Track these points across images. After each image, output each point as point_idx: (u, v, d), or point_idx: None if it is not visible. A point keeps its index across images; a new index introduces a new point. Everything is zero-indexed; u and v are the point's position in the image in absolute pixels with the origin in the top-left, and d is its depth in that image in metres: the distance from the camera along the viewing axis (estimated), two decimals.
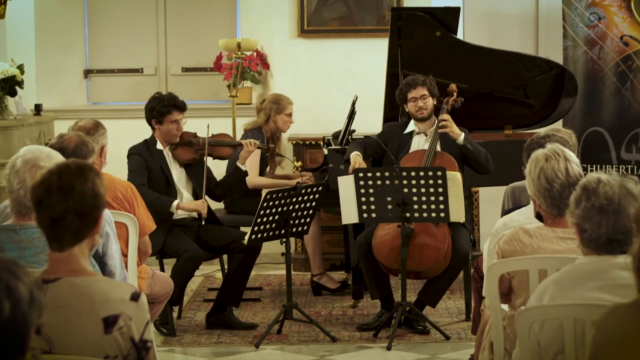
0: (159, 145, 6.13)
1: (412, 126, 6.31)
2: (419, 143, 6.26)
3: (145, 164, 6.04)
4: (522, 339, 3.05)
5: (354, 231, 6.43)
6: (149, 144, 6.14)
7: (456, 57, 6.92)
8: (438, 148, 6.15)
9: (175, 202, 5.99)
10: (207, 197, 6.19)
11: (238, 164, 6.35)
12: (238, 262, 6.06)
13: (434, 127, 6.20)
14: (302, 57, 8.13)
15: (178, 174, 6.18)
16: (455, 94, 6.30)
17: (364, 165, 6.07)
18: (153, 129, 6.16)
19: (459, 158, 6.11)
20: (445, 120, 6.09)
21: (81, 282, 2.71)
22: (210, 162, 6.32)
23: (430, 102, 6.20)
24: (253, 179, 6.84)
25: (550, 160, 3.56)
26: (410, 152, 6.21)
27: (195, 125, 6.46)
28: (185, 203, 6.06)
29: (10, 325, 1.98)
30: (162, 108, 6.07)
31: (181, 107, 6.11)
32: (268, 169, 7.11)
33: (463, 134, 6.10)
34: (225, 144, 6.39)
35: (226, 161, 6.66)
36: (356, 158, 6.10)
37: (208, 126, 6.19)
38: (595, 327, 2.43)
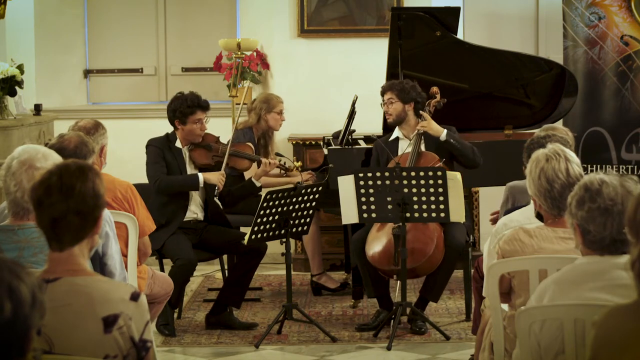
0: (179, 144, 6.11)
1: (396, 132, 6.33)
2: (404, 147, 6.25)
3: (162, 155, 6.02)
4: (522, 339, 3.04)
5: (352, 231, 6.42)
6: (170, 139, 6.10)
7: (456, 57, 6.92)
8: (423, 148, 6.15)
9: (200, 176, 6.00)
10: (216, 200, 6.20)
11: (253, 179, 6.30)
12: (242, 263, 6.04)
13: (416, 129, 6.21)
14: (302, 57, 8.13)
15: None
16: (438, 95, 6.33)
17: None
18: (176, 129, 6.13)
19: (446, 156, 6.10)
20: (423, 127, 6.11)
21: (81, 281, 2.71)
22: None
23: (397, 106, 6.20)
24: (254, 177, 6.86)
25: (551, 161, 3.56)
26: (396, 156, 6.21)
27: None
28: (208, 174, 6.05)
29: (11, 326, 1.98)
30: (186, 109, 6.02)
31: (205, 106, 6.06)
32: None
33: (445, 131, 6.10)
34: (244, 156, 6.36)
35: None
36: None
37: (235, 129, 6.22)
38: (596, 328, 2.43)
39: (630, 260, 2.40)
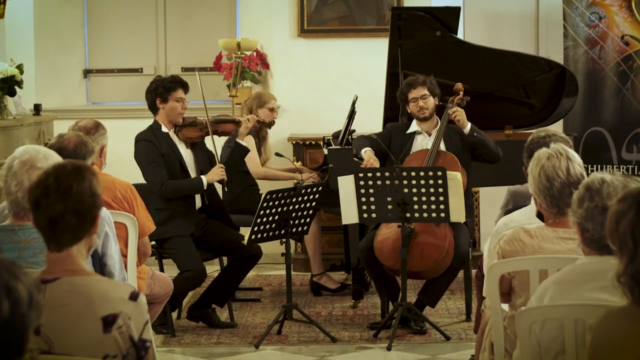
0: (164, 129, 6.08)
1: (414, 127, 6.28)
2: (422, 143, 6.23)
3: (156, 150, 5.98)
4: (522, 339, 3.04)
5: (356, 236, 6.42)
6: (153, 128, 6.07)
7: (456, 57, 6.91)
8: (442, 147, 6.13)
9: (203, 178, 5.98)
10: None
11: (238, 140, 6.28)
12: (236, 268, 6.04)
13: (439, 126, 6.18)
14: (302, 57, 8.12)
15: (186, 156, 6.10)
16: (461, 92, 6.28)
17: (377, 162, 6.03)
18: (156, 111, 6.10)
19: (465, 155, 6.08)
20: (456, 111, 6.07)
21: (80, 281, 2.71)
22: (215, 139, 6.27)
23: (431, 101, 6.18)
24: (258, 168, 6.86)
25: (552, 159, 3.56)
26: (413, 152, 6.19)
27: None
28: (209, 175, 6.01)
29: (9, 325, 1.98)
30: (168, 84, 6.03)
31: (185, 85, 6.09)
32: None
33: (469, 124, 6.09)
34: (226, 120, 6.35)
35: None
36: (370, 154, 6.06)
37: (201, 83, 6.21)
38: (592, 332, 2.43)
39: (615, 274, 2.40)
